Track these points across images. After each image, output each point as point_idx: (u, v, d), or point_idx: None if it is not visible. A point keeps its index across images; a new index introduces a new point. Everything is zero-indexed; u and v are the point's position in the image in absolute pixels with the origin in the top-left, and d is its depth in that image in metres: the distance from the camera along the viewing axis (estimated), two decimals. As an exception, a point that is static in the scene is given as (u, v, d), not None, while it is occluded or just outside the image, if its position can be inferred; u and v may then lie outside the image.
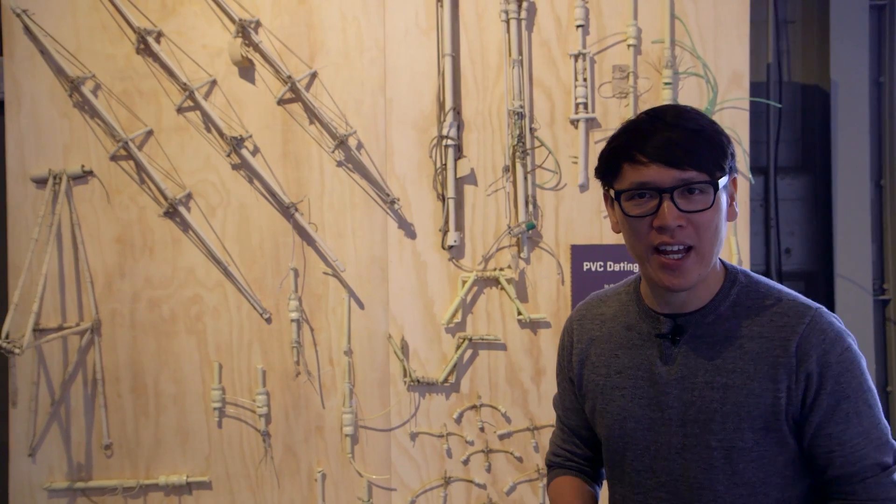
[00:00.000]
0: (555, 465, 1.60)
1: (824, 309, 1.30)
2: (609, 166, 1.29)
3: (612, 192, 1.30)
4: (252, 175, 2.63)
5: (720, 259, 1.33)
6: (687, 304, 1.31)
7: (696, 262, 1.24)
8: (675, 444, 1.31)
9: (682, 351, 1.31)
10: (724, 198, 1.26)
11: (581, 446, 1.56)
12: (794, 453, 1.28)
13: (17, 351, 2.27)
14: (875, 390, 1.28)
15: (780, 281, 3.25)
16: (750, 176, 2.63)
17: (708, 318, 1.31)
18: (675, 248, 1.23)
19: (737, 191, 1.30)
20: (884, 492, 1.24)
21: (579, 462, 1.57)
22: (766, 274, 3.25)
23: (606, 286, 2.61)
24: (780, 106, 3.15)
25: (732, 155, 1.27)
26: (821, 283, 3.26)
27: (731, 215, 1.29)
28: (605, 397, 1.40)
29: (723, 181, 1.24)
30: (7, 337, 2.33)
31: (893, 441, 1.28)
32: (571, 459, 1.57)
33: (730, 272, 1.34)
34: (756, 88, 3.16)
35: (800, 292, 3.34)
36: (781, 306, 1.28)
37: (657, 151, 1.22)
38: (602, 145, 1.35)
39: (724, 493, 1.28)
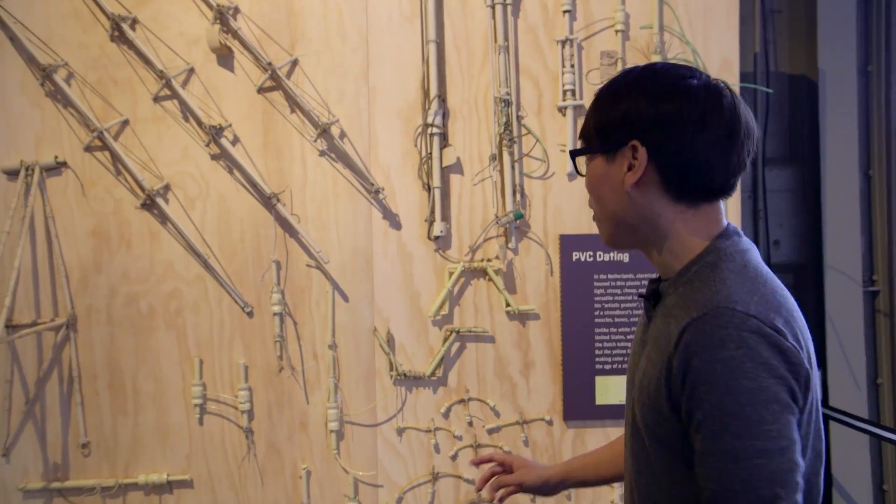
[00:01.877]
0: None
1: (735, 313, 1.10)
2: None
3: None
4: (232, 165, 2.57)
5: (718, 238, 1.23)
6: (663, 271, 1.29)
7: (598, 223, 1.32)
8: (629, 404, 1.33)
9: (656, 314, 1.28)
10: (605, 166, 1.25)
11: None
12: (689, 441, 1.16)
13: (-12, 347, 2.19)
14: (758, 422, 1.06)
15: (769, 272, 3.22)
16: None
17: (671, 289, 1.25)
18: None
19: (641, 159, 1.20)
20: None
21: None
22: (755, 265, 3.22)
23: (596, 276, 2.61)
24: (770, 91, 3.12)
25: (620, 123, 1.21)
26: (810, 274, 3.24)
27: (625, 184, 1.22)
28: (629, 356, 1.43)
29: (583, 151, 1.29)
30: (-22, 333, 2.25)
31: (772, 492, 1.05)
32: None
33: (706, 250, 1.22)
34: (744, 78, 3.12)
35: (789, 284, 3.28)
36: (697, 293, 1.17)
37: None
38: None
39: (632, 466, 1.29)
